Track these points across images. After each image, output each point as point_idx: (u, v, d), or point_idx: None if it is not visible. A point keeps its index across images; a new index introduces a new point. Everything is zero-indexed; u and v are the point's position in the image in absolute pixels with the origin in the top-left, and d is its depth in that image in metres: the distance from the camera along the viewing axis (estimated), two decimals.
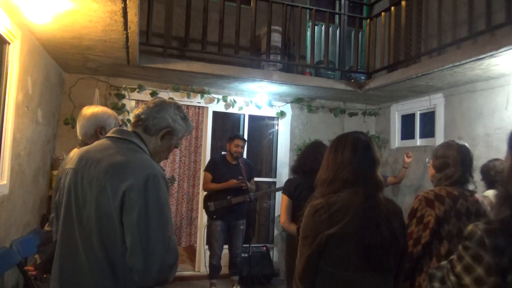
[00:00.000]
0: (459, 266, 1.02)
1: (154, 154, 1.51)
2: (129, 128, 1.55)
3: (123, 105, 4.65)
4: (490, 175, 2.89)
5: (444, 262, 1.14)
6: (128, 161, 1.35)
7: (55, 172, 4.13)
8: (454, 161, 1.88)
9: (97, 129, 2.05)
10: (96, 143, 1.52)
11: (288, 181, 3.13)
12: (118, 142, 1.45)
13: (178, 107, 1.57)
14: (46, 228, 1.91)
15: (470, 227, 1.03)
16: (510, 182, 1.05)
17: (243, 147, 4.38)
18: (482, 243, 0.97)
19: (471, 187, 1.89)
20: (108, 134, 1.52)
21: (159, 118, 1.49)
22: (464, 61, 3.33)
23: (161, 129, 1.50)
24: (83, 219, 1.35)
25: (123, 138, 1.46)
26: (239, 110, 5.18)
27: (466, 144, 1.97)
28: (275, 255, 5.26)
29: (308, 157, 2.91)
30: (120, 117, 4.24)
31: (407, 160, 4.47)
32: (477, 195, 1.92)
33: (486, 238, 0.97)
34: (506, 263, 0.93)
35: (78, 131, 2.10)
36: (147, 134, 1.50)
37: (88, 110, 2.10)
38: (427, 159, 2.23)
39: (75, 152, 1.70)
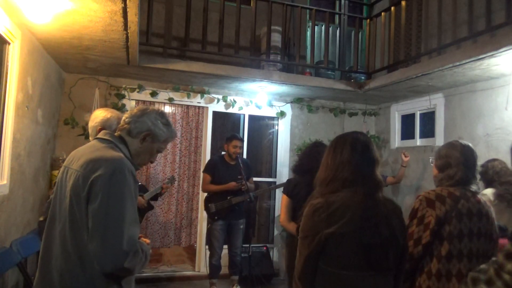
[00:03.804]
0: (510, 264, 1.01)
1: (135, 156, 1.65)
2: (117, 131, 1.69)
3: (123, 105, 4.65)
4: (488, 174, 2.91)
5: (484, 265, 1.14)
6: (101, 156, 1.50)
7: (55, 172, 4.14)
8: (457, 162, 1.88)
9: (98, 131, 2.15)
10: (87, 144, 1.69)
11: (287, 181, 3.21)
12: (101, 142, 1.61)
13: (160, 113, 1.72)
14: (41, 218, 2.02)
15: None
16: None
17: (241, 147, 4.38)
18: None
19: (473, 187, 1.88)
20: (97, 136, 1.68)
21: (140, 122, 1.65)
22: (464, 61, 3.34)
23: (142, 132, 1.64)
24: (62, 209, 1.51)
25: (105, 139, 1.61)
26: (239, 110, 5.18)
27: (470, 145, 1.96)
28: (275, 255, 5.27)
29: (308, 157, 2.96)
30: None
31: (405, 159, 4.48)
32: (479, 196, 1.92)
33: None
34: None
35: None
36: (129, 137, 1.65)
37: (94, 113, 2.27)
38: (430, 159, 2.22)
39: None
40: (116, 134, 1.66)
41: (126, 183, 1.45)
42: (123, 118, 1.69)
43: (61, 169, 1.62)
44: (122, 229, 1.39)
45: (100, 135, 1.65)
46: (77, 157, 1.56)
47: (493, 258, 1.09)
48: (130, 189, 1.46)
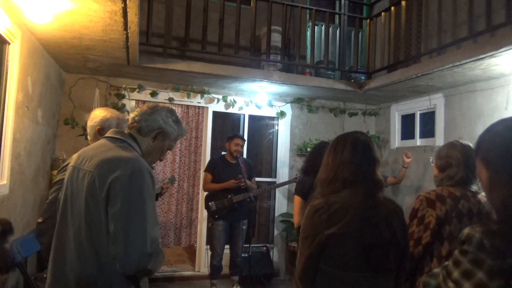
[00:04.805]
0: (456, 272, 0.97)
1: (146, 154, 1.61)
2: (126, 129, 1.65)
3: (123, 105, 4.65)
4: None
5: (437, 269, 1.10)
6: (116, 156, 1.46)
7: (55, 172, 4.13)
8: (457, 162, 1.87)
9: (97, 130, 2.12)
10: (95, 143, 1.63)
11: (300, 182, 3.16)
12: (111, 141, 1.56)
13: (170, 110, 1.68)
14: (39, 220, 1.98)
15: (467, 230, 0.99)
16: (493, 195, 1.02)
17: (242, 146, 4.39)
18: (481, 246, 0.94)
19: (474, 187, 1.87)
20: (106, 135, 1.63)
21: (151, 120, 1.61)
22: (464, 61, 3.33)
23: (153, 130, 1.61)
24: (75, 211, 1.46)
25: (117, 138, 1.57)
26: (239, 110, 5.18)
27: (471, 145, 1.96)
28: (275, 255, 5.26)
29: (316, 157, 2.93)
30: None
31: (407, 160, 4.47)
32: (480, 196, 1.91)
33: (486, 241, 0.93)
34: (509, 266, 0.90)
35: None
36: (140, 135, 1.61)
37: (93, 113, 2.22)
38: (431, 159, 2.22)
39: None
40: (125, 132, 1.61)
41: (146, 184, 1.41)
42: (132, 116, 1.64)
43: (69, 169, 1.57)
44: (145, 231, 1.36)
45: (109, 134, 1.60)
46: (88, 157, 1.50)
47: (445, 263, 1.06)
48: (149, 190, 1.42)
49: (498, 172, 1.00)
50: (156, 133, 1.60)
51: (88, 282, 1.39)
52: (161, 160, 1.74)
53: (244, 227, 4.34)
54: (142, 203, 1.39)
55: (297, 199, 3.01)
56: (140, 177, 1.40)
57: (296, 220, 3.00)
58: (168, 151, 1.75)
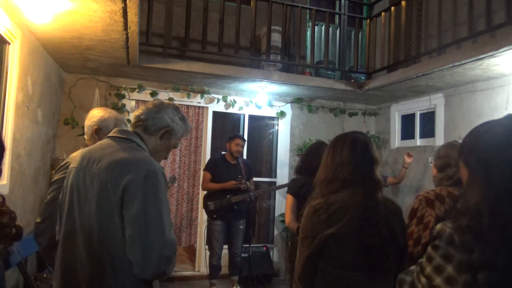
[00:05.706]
0: (429, 267, 1.00)
1: (153, 153, 1.56)
2: (130, 128, 1.60)
3: (123, 105, 4.65)
4: None
5: (413, 267, 1.12)
6: (128, 158, 1.40)
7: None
8: (456, 161, 1.87)
9: (94, 130, 2.11)
10: (98, 143, 1.58)
11: (292, 181, 3.16)
12: (118, 141, 1.50)
13: (176, 108, 1.63)
14: (38, 220, 1.97)
15: (439, 226, 1.02)
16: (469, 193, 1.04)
17: (243, 147, 4.40)
18: (451, 241, 0.96)
19: None
20: (110, 134, 1.57)
21: (158, 118, 1.55)
22: (464, 61, 3.33)
23: (160, 129, 1.55)
24: (84, 215, 1.40)
25: (124, 137, 1.51)
26: (239, 110, 5.18)
27: None
28: (275, 255, 5.26)
29: (312, 157, 2.94)
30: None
31: (408, 160, 4.46)
32: None
33: (456, 236, 0.96)
34: (476, 261, 0.92)
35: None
36: (146, 134, 1.55)
37: (90, 113, 2.20)
38: (430, 159, 2.23)
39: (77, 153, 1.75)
40: (130, 131, 1.56)
41: (160, 185, 1.38)
42: (136, 113, 1.58)
43: (72, 171, 1.50)
44: (163, 235, 1.33)
45: (115, 133, 1.54)
46: (95, 158, 1.44)
47: (420, 260, 1.07)
48: (164, 191, 1.39)
49: (476, 174, 1.02)
50: (163, 131, 1.55)
51: (101, 286, 1.36)
52: (165, 159, 1.69)
53: (241, 226, 4.34)
54: (159, 205, 1.35)
55: (289, 197, 3.01)
56: (155, 179, 1.36)
57: (287, 218, 3.00)
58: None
